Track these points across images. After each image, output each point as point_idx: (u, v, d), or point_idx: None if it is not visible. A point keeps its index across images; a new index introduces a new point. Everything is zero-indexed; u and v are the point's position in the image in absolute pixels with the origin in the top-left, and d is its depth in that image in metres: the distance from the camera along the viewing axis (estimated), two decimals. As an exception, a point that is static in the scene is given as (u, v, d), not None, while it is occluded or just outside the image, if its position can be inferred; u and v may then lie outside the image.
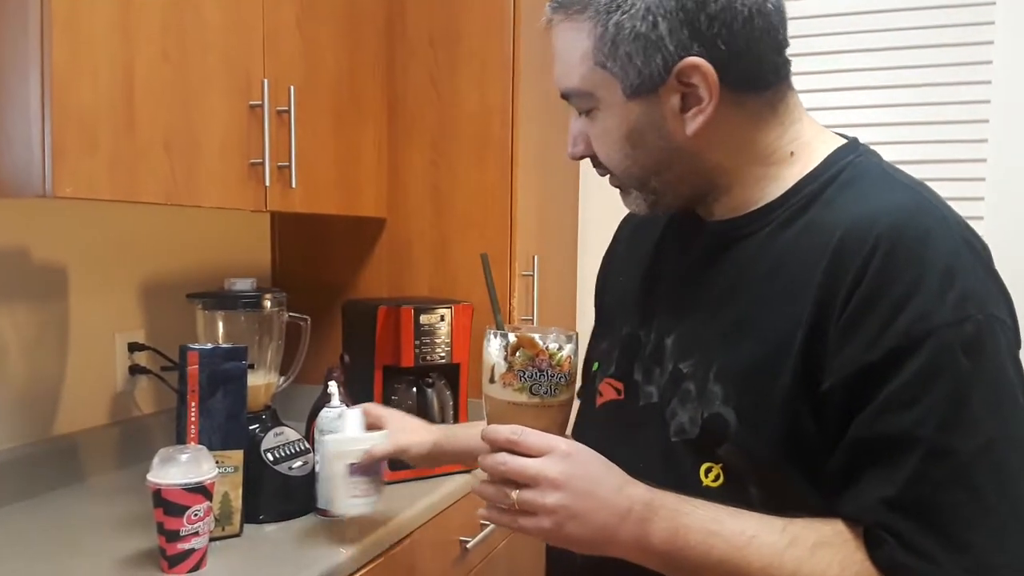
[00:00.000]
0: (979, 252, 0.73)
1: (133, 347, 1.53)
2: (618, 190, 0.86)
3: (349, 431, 1.15)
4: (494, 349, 0.78)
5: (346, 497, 1.13)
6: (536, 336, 0.77)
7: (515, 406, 0.77)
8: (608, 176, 0.85)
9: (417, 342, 1.53)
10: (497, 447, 0.75)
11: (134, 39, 1.12)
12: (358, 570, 1.19)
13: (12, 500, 1.30)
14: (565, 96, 0.82)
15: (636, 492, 0.73)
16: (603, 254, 1.05)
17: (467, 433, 1.15)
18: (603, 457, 0.75)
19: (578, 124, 0.84)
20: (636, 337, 0.88)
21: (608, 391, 0.88)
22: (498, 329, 0.79)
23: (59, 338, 1.42)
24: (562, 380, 0.77)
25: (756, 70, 0.77)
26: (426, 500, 1.40)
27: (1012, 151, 1.81)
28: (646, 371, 0.85)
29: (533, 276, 1.82)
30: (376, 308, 1.54)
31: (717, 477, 0.76)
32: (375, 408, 1.22)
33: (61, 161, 1.02)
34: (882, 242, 0.70)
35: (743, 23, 0.74)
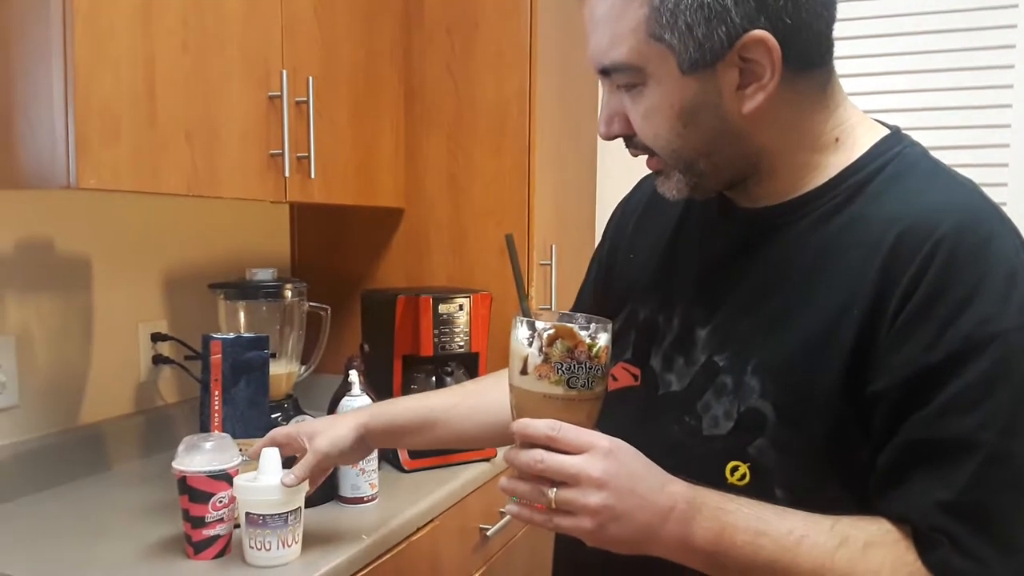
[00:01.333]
0: None
1: (156, 337, 1.55)
2: (653, 174, 0.83)
3: (263, 478, 1.02)
4: (523, 338, 0.73)
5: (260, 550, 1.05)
6: (574, 326, 0.73)
7: (549, 399, 0.72)
8: (647, 159, 0.81)
9: (436, 331, 1.54)
10: (532, 443, 0.71)
11: (155, 31, 1.13)
12: (380, 556, 1.20)
13: (40, 488, 1.33)
14: (604, 71, 0.76)
15: (678, 490, 0.70)
16: (608, 223, 1.01)
17: (393, 408, 1.07)
18: (642, 454, 0.72)
19: (615, 102, 0.78)
20: (654, 323, 0.85)
21: (624, 376, 0.86)
22: (525, 316, 0.74)
23: (83, 329, 1.44)
24: (599, 372, 0.73)
25: (814, 47, 0.73)
26: (447, 488, 1.41)
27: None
28: (665, 359, 0.83)
29: (551, 265, 1.82)
30: (395, 297, 1.54)
31: (743, 476, 0.74)
32: (279, 433, 1.05)
33: (84, 153, 1.03)
34: (944, 242, 0.68)
35: None
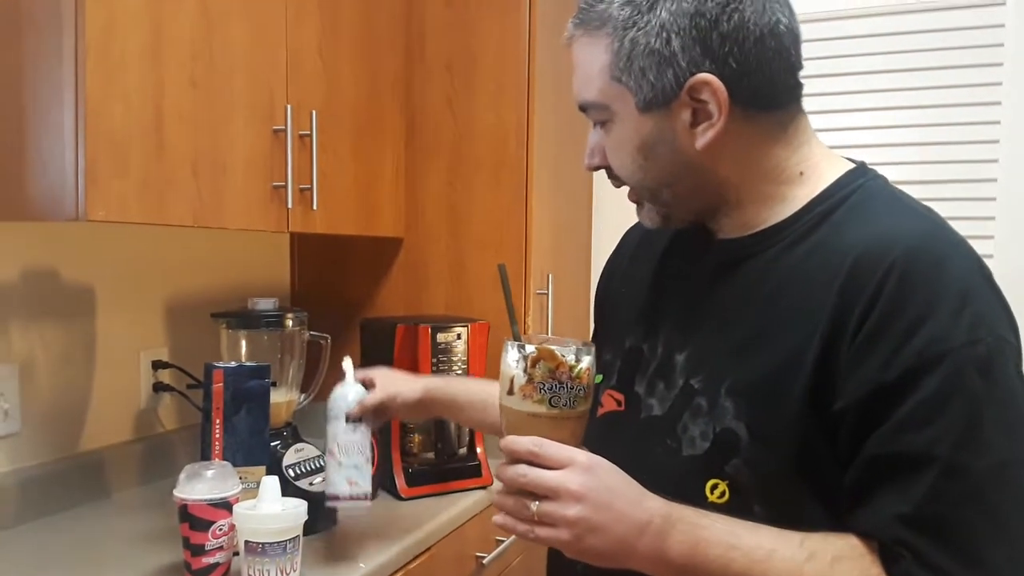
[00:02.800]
0: (989, 277, 0.75)
1: (157, 365, 1.56)
2: (635, 205, 0.88)
3: (263, 506, 1.08)
4: (512, 360, 0.78)
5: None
6: (556, 348, 0.77)
7: (533, 417, 0.77)
8: (627, 191, 0.87)
9: (434, 359, 1.55)
10: (517, 458, 0.75)
11: (164, 66, 1.16)
12: (378, 585, 1.21)
13: (39, 515, 1.33)
14: (583, 108, 0.85)
15: (655, 505, 0.73)
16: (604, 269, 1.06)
17: (460, 386, 1.22)
18: (621, 470, 0.75)
19: (595, 136, 0.86)
20: (639, 350, 0.89)
21: (609, 402, 0.90)
22: (515, 340, 0.79)
23: (86, 356, 1.46)
24: (580, 392, 0.77)
25: (767, 89, 0.79)
26: (444, 515, 1.42)
27: (1023, 171, 1.83)
28: (649, 384, 0.86)
29: (548, 294, 1.84)
30: (394, 326, 1.56)
31: (723, 494, 0.77)
32: (362, 372, 1.21)
33: (94, 185, 1.05)
34: (897, 265, 0.71)
35: (754, 43, 0.76)
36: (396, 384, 1.19)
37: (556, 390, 0.76)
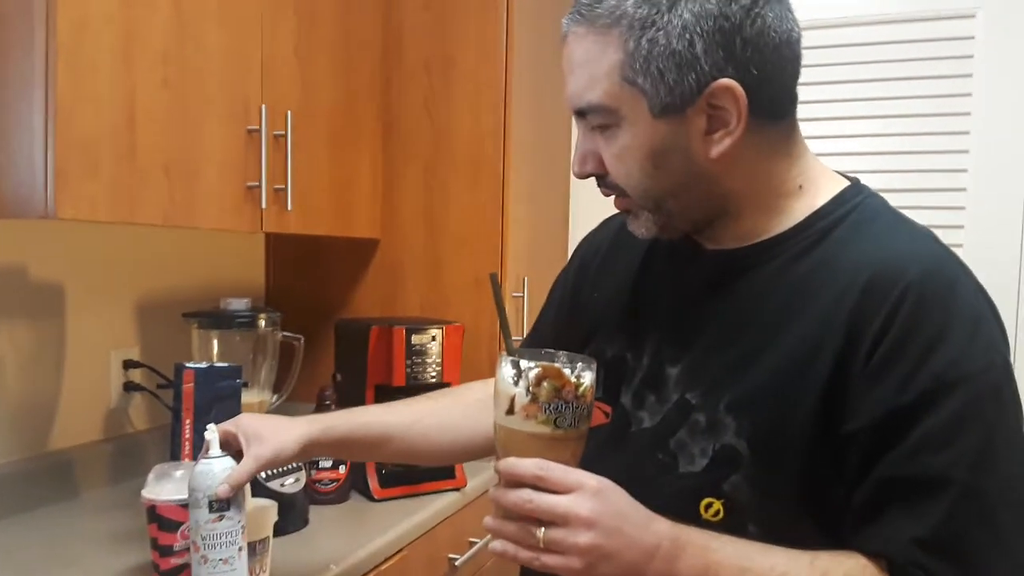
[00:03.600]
0: (989, 299, 0.76)
1: (128, 364, 1.55)
2: (624, 212, 0.85)
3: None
4: (509, 377, 0.73)
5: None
6: (561, 366, 0.73)
7: (535, 439, 0.72)
8: (614, 198, 0.83)
9: (408, 361, 1.56)
10: (519, 482, 0.71)
11: (136, 67, 1.15)
12: (348, 586, 1.21)
13: (6, 515, 1.32)
14: (580, 112, 0.79)
15: (663, 529, 0.71)
16: (573, 258, 1.03)
17: (347, 424, 1.01)
18: (626, 492, 0.73)
19: (589, 142, 0.81)
20: (623, 359, 0.87)
21: (596, 414, 0.84)
22: (511, 355, 0.74)
23: (55, 355, 1.45)
24: (585, 411, 0.74)
25: (780, 98, 0.78)
26: (417, 517, 1.42)
27: (991, 181, 1.86)
28: (636, 396, 0.84)
29: (523, 297, 1.85)
30: (369, 328, 1.56)
31: (717, 513, 0.76)
32: (219, 429, 0.95)
33: (63, 185, 1.05)
34: (912, 288, 0.71)
35: (774, 49, 0.74)
36: (268, 441, 0.93)
37: (562, 410, 0.72)
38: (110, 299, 1.55)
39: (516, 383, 0.73)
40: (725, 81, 0.73)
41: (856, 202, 0.80)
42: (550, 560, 0.70)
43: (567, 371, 0.72)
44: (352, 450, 1.08)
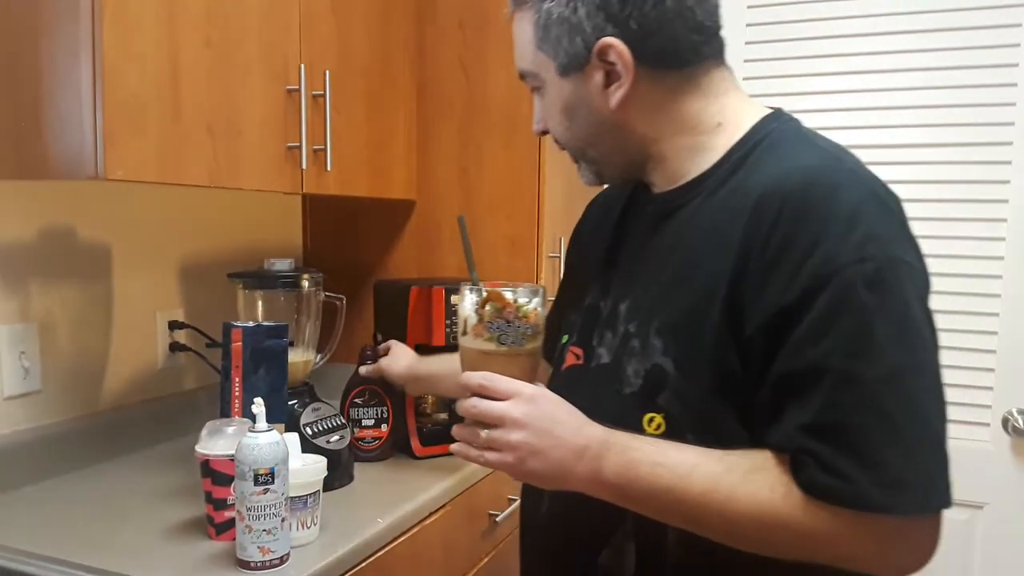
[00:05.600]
0: (887, 203, 0.78)
1: (173, 325, 1.58)
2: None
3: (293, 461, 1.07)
4: (468, 303, 0.84)
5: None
6: (505, 291, 0.83)
7: (485, 355, 0.83)
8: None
9: (448, 321, 1.56)
10: (470, 392, 0.82)
11: (179, 26, 1.15)
12: (395, 539, 1.24)
13: (62, 472, 1.36)
14: (521, 77, 0.92)
15: (593, 432, 0.80)
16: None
17: (440, 364, 1.36)
18: (565, 402, 0.82)
19: (537, 103, 0.93)
20: (596, 307, 0.94)
21: (570, 357, 0.96)
22: (474, 285, 0.85)
23: (103, 316, 1.48)
24: (528, 331, 0.83)
25: (672, 47, 0.83)
26: (458, 474, 1.44)
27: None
28: (599, 336, 0.92)
29: (560, 258, 1.84)
30: (408, 288, 1.57)
31: (659, 426, 0.82)
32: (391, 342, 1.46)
33: (112, 145, 1.06)
34: (791, 196, 0.76)
35: (653, 5, 0.81)
36: (390, 364, 1.42)
37: (504, 329, 0.82)
38: (154, 261, 1.57)
39: (471, 307, 0.84)
40: (607, 39, 0.82)
41: (770, 128, 0.85)
42: (491, 456, 0.81)
43: (508, 294, 0.83)
44: (438, 383, 1.40)
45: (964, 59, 1.85)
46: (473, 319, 0.83)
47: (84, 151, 1.06)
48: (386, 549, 1.21)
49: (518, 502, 1.61)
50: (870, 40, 1.91)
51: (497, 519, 1.56)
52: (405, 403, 1.55)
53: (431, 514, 1.35)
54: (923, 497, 0.72)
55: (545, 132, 0.94)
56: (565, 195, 1.90)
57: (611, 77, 0.84)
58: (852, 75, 1.92)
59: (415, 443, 1.54)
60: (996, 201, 1.81)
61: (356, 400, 1.50)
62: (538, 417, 0.80)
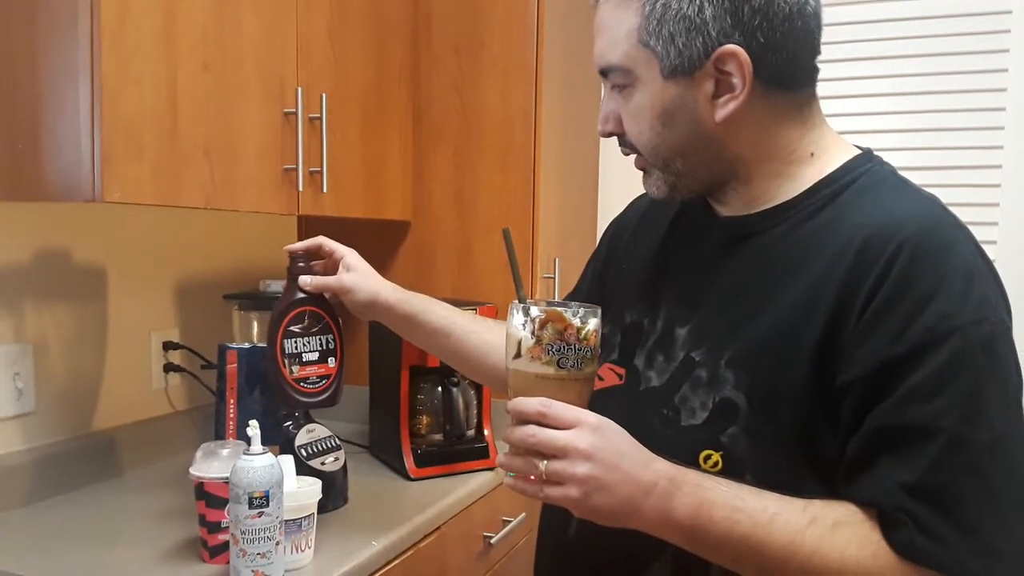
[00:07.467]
0: (990, 262, 0.78)
1: (168, 346, 1.58)
2: (641, 172, 0.89)
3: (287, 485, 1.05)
4: (519, 323, 0.78)
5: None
6: (563, 310, 0.77)
7: (541, 379, 0.77)
8: (634, 158, 0.88)
9: (443, 342, 1.56)
10: (525, 419, 0.76)
11: (177, 50, 1.16)
12: (389, 562, 1.23)
13: (56, 493, 1.35)
14: (604, 72, 0.85)
15: (661, 468, 0.75)
16: (604, 236, 1.08)
17: (423, 305, 1.15)
18: (627, 433, 0.76)
19: (611, 103, 0.86)
20: (639, 325, 0.91)
21: (610, 376, 0.91)
22: (521, 303, 0.79)
23: (98, 337, 1.47)
24: (588, 353, 0.78)
25: (790, 68, 0.80)
26: (453, 496, 1.44)
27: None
28: (648, 357, 0.88)
29: (555, 279, 1.85)
30: (403, 309, 1.57)
31: (716, 464, 0.78)
32: (325, 240, 1.18)
33: (109, 167, 1.07)
34: (907, 244, 0.73)
35: (783, 20, 0.77)
36: (356, 280, 1.12)
37: (564, 351, 0.76)
38: (149, 282, 1.58)
39: (523, 328, 0.78)
40: (730, 47, 0.77)
41: (864, 169, 0.83)
42: (552, 491, 0.74)
43: (569, 315, 0.77)
44: (413, 329, 1.16)
45: (954, 46, 1.88)
46: (529, 341, 0.77)
47: (81, 174, 1.07)
48: (381, 572, 1.21)
49: (514, 522, 1.61)
50: (858, 28, 1.93)
51: (492, 541, 1.56)
52: (400, 424, 1.54)
53: (425, 536, 1.34)
54: (1018, 569, 0.71)
55: (612, 135, 0.87)
56: (559, 216, 1.91)
57: (720, 87, 0.79)
58: (838, 63, 1.92)
59: (410, 464, 1.54)
60: (988, 186, 1.85)
61: (292, 328, 1.13)
62: (605, 449, 0.73)
